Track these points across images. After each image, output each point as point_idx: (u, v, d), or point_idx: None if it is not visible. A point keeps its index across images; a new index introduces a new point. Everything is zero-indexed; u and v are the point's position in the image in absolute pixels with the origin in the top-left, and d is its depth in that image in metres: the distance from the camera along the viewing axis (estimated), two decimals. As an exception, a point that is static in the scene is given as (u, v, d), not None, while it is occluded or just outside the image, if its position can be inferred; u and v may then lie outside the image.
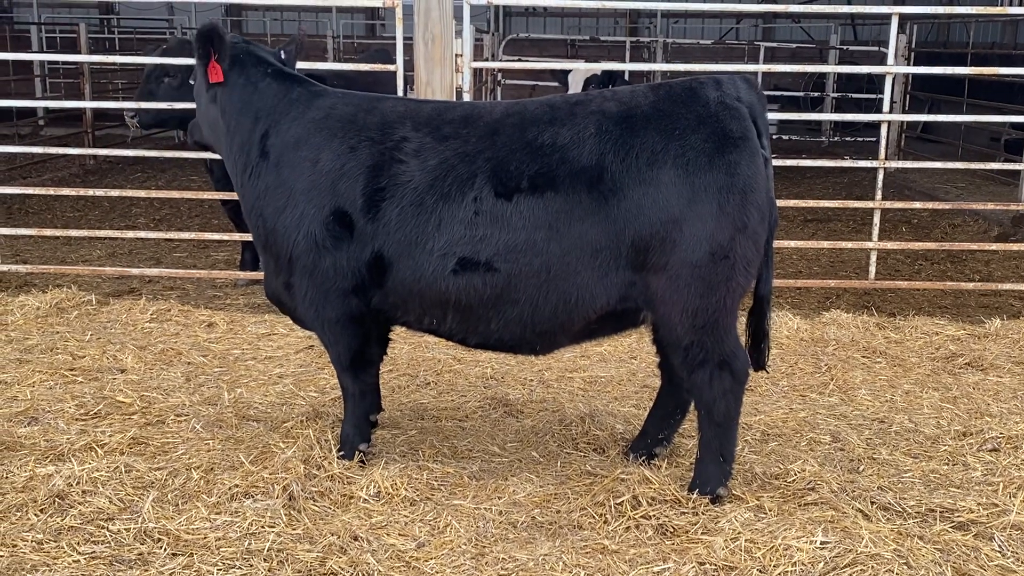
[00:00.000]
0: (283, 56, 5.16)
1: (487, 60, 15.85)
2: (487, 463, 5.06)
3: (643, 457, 5.05)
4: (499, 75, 16.10)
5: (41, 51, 20.45)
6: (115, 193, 8.84)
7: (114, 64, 17.75)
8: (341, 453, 4.94)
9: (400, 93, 7.53)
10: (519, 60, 16.40)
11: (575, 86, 11.05)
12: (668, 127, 4.39)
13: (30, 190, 10.70)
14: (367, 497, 4.60)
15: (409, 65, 7.57)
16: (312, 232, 4.66)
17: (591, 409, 5.71)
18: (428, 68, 7.29)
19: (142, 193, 8.88)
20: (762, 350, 4.86)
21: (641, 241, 4.37)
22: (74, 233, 9.00)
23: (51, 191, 10.08)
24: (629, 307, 4.57)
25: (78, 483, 4.58)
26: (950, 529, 4.42)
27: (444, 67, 7.29)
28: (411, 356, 6.69)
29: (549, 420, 5.61)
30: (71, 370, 6.29)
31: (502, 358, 6.49)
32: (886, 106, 8.16)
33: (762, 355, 4.87)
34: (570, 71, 11.39)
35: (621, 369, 6.60)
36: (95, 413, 5.57)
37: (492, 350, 4.93)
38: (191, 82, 5.19)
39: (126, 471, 4.78)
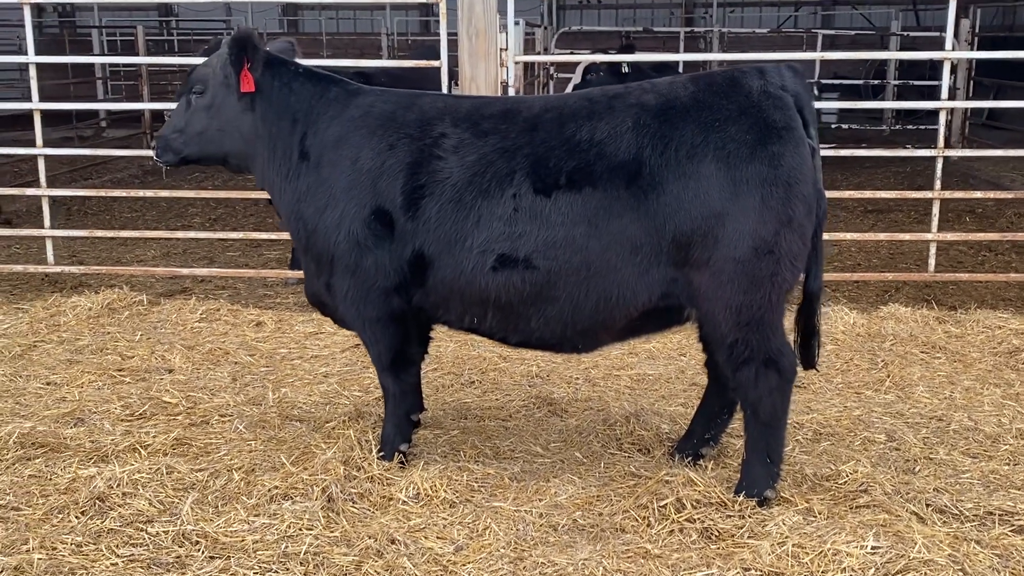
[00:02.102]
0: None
1: (539, 54, 15.74)
2: (529, 464, 4.97)
3: (689, 458, 4.92)
4: (552, 69, 15.98)
5: (102, 54, 20.79)
6: (166, 194, 8.92)
7: (172, 65, 17.94)
8: (381, 454, 4.88)
9: (444, 89, 7.46)
10: (570, 53, 16.25)
11: (577, 76, 10.94)
12: (708, 119, 4.28)
13: (87, 192, 10.84)
14: (406, 499, 4.54)
15: (456, 61, 7.52)
16: (354, 231, 4.61)
17: (637, 408, 5.59)
18: (472, 63, 7.21)
19: (194, 194, 8.94)
20: (812, 347, 4.70)
21: (682, 236, 4.26)
22: (124, 234, 9.09)
23: (105, 192, 10.20)
24: (672, 304, 4.45)
25: (119, 485, 4.58)
26: (1009, 533, 4.24)
27: (488, 62, 7.21)
28: (456, 354, 6.62)
29: (593, 420, 5.50)
30: (119, 371, 6.33)
31: (548, 356, 6.39)
32: (944, 93, 7.88)
33: (812, 353, 4.71)
34: (619, 64, 11.21)
35: (670, 366, 6.46)
36: (140, 414, 5.59)
37: (534, 348, 4.86)
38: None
39: (167, 472, 4.77)
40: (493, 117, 4.57)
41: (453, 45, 7.43)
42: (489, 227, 4.40)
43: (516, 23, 11.97)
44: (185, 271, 8.45)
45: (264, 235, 8.95)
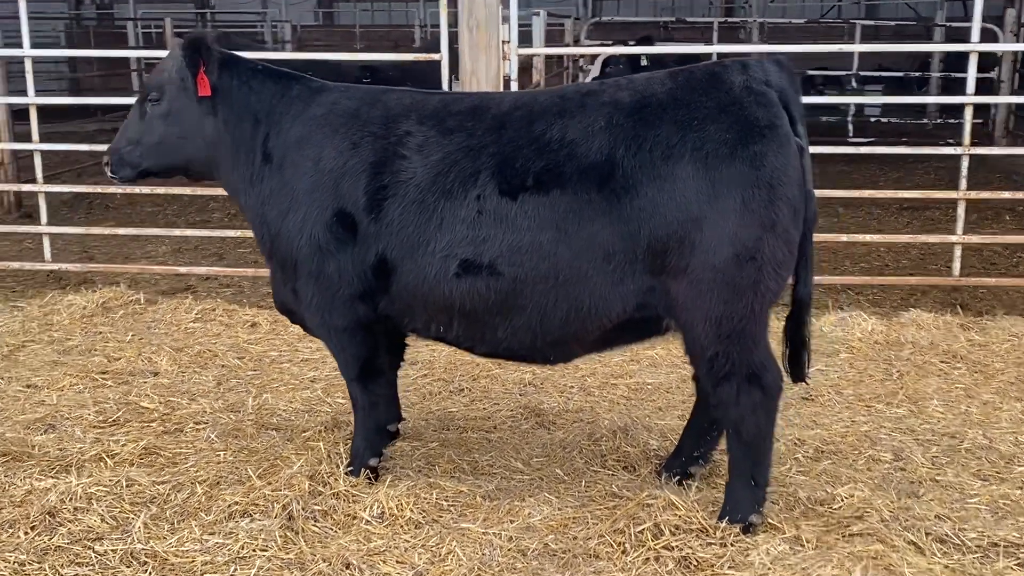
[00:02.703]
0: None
1: (568, 45, 15.43)
2: (506, 480, 4.71)
3: (677, 477, 4.64)
4: (581, 61, 15.63)
5: (137, 47, 20.80)
6: (188, 190, 8.74)
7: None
8: (349, 469, 4.65)
9: (445, 83, 7.21)
10: (599, 44, 15.93)
11: (596, 69, 10.57)
12: (686, 117, 3.98)
13: (104, 188, 10.71)
14: (370, 518, 4.30)
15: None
16: (315, 235, 4.36)
17: (627, 422, 5.30)
18: (473, 56, 6.95)
19: (217, 191, 8.75)
20: (802, 360, 4.38)
21: (658, 242, 3.96)
22: (121, 231, 8.95)
23: (105, 189, 10.04)
24: (649, 315, 4.16)
25: (72, 499, 4.38)
26: (1014, 567, 3.92)
27: (490, 54, 6.94)
28: (449, 359, 6.36)
29: (580, 433, 5.22)
30: (103, 373, 6.17)
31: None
32: (969, 87, 7.46)
33: (801, 366, 4.39)
34: (639, 56, 10.89)
35: (672, 375, 6.16)
36: (114, 420, 5.41)
37: (502, 359, 4.60)
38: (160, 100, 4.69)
39: (127, 485, 4.58)
40: (460, 114, 4.30)
41: (456, 37, 7.17)
42: (452, 230, 4.14)
43: (536, 13, 11.74)
44: (183, 269, 8.28)
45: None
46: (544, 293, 4.10)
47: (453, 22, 7.23)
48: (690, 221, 3.92)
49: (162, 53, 13.11)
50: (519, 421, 5.44)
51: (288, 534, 4.17)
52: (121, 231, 8.70)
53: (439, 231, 4.17)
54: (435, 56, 7.19)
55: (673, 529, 4.09)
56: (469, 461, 4.90)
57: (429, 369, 6.19)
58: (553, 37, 17.01)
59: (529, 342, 4.26)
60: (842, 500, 4.37)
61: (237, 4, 24.70)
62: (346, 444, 4.89)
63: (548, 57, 12.86)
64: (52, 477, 4.67)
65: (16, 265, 8.28)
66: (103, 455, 4.91)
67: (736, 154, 3.90)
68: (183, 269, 8.22)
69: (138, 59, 19.50)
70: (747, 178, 3.89)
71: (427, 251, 4.19)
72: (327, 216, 4.34)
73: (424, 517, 4.32)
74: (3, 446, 4.96)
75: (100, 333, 6.96)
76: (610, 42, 16.04)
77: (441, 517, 4.35)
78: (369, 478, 4.62)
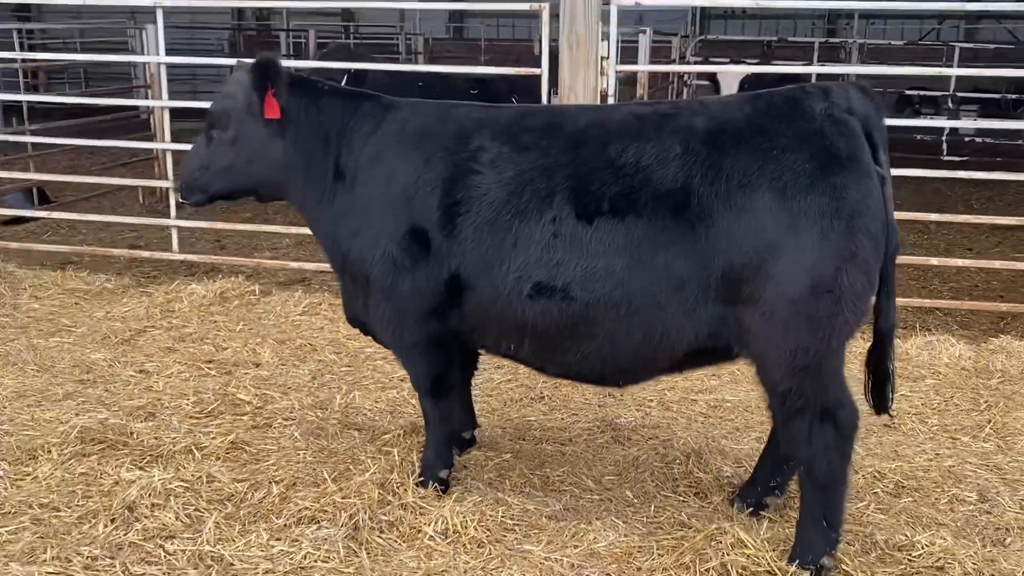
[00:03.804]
0: None
1: (674, 62, 14.72)
2: (575, 499, 4.21)
3: (750, 508, 4.07)
4: (687, 77, 14.89)
5: (288, 55, 20.81)
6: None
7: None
8: (420, 479, 4.22)
9: (544, 96, 6.70)
10: (704, 62, 15.15)
11: (727, 88, 9.78)
12: (764, 145, 3.47)
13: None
14: (433, 534, 3.86)
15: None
16: (389, 251, 3.92)
17: (702, 444, 4.73)
18: (572, 71, 6.42)
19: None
20: (885, 392, 3.78)
21: (732, 272, 3.46)
22: (226, 227, 8.64)
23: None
24: (720, 344, 3.62)
25: (151, 494, 4.06)
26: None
27: (588, 70, 6.40)
28: (533, 366, 5.87)
29: (654, 453, 4.67)
30: (208, 362, 5.88)
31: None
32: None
33: (885, 398, 3.80)
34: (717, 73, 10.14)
35: (752, 393, 5.51)
36: (210, 412, 5.09)
37: (573, 380, 4.12)
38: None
39: (207, 481, 4.24)
40: (535, 130, 3.82)
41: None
42: (527, 251, 3.67)
43: (642, 31, 11.12)
44: (294, 264, 7.96)
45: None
46: (616, 320, 3.62)
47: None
48: (766, 251, 3.41)
49: (306, 63, 12.97)
50: (595, 435, 4.92)
51: (352, 545, 3.77)
52: (241, 227, 8.43)
53: (514, 251, 3.69)
54: (536, 71, 6.69)
55: (740, 570, 3.53)
56: (540, 476, 4.41)
57: (513, 374, 5.71)
58: (660, 53, 16.30)
59: (599, 368, 3.80)
60: (922, 547, 3.74)
61: (377, 18, 24.58)
62: (419, 452, 4.45)
63: (653, 73, 12.21)
64: (140, 468, 4.36)
65: (147, 254, 8.10)
66: (193, 447, 4.59)
67: (816, 185, 3.39)
68: (294, 264, 7.91)
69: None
70: (826, 209, 3.37)
71: (501, 270, 3.72)
72: (401, 233, 3.90)
73: (488, 536, 3.86)
74: (103, 433, 4.67)
75: (214, 322, 6.69)
76: (726, 60, 15.20)
77: (505, 537, 3.88)
78: (438, 490, 4.18)
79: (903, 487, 4.38)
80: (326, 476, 4.28)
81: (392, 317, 4.04)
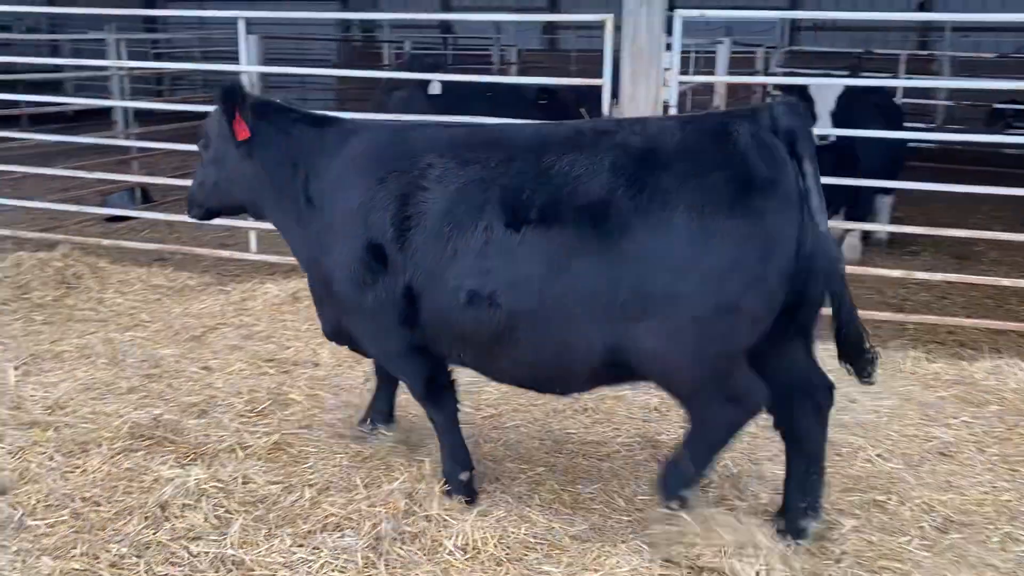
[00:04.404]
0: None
1: (757, 73, 14.14)
2: (603, 519, 3.94)
3: (787, 536, 3.71)
4: (770, 88, 14.28)
5: (390, 66, 20.90)
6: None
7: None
8: (447, 488, 4.01)
9: (605, 107, 6.40)
10: (789, 73, 14.51)
11: (822, 103, 9.14)
12: (688, 167, 3.40)
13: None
14: (453, 548, 3.64)
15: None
16: (354, 268, 3.86)
17: (742, 467, 4.39)
18: (634, 81, 6.11)
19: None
20: (863, 363, 3.70)
21: (642, 288, 3.36)
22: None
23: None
24: (627, 359, 3.48)
25: (184, 494, 3.95)
26: None
27: (650, 81, 6.09)
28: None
29: (691, 473, 4.34)
30: (269, 361, 5.79)
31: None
32: None
33: (865, 368, 3.71)
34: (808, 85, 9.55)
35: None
36: (260, 411, 4.99)
37: (518, 387, 4.07)
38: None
39: (243, 482, 4.11)
40: (478, 146, 3.79)
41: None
42: (463, 260, 3.61)
43: (719, 42, 10.65)
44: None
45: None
46: (533, 328, 3.54)
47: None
48: (676, 270, 3.34)
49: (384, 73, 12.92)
50: (634, 451, 4.63)
51: (371, 556, 3.58)
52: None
53: (452, 260, 3.63)
54: (598, 81, 6.40)
55: (765, 606, 3.21)
56: (571, 492, 4.15)
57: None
58: (745, 64, 15.71)
59: (530, 375, 3.76)
60: (966, 594, 3.34)
61: (473, 30, 24.50)
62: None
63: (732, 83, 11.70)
64: (181, 466, 4.26)
65: (226, 253, 8.11)
66: (237, 446, 4.48)
67: (732, 208, 3.32)
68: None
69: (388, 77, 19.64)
70: (738, 232, 3.31)
71: (442, 279, 3.67)
72: (360, 250, 3.83)
73: (507, 554, 3.62)
74: (154, 429, 4.61)
75: (283, 321, 6.62)
76: (817, 71, 14.53)
77: (525, 556, 3.63)
78: (465, 501, 3.96)
79: (952, 522, 3.97)
80: (358, 482, 4.11)
81: (371, 331, 4.01)
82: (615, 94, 6.33)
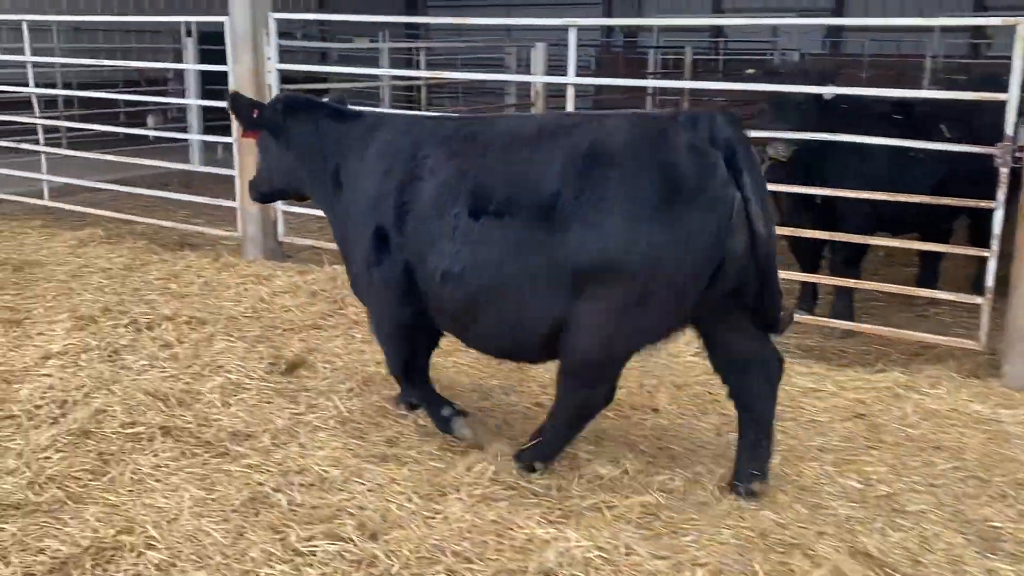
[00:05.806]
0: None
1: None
2: None
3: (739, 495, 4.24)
4: None
5: (656, 74, 20.50)
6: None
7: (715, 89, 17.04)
8: (438, 428, 4.90)
9: (1009, 126, 5.63)
10: None
11: None
12: (628, 169, 3.88)
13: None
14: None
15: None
16: (367, 249, 4.60)
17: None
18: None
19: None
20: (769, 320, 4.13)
21: (578, 277, 3.95)
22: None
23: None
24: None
25: (570, 563, 3.66)
26: None
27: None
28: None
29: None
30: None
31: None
32: None
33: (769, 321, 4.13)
34: None
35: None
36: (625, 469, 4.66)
37: (486, 354, 4.83)
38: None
39: (625, 553, 3.77)
40: (463, 138, 4.43)
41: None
42: (440, 242, 4.28)
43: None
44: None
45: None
46: (493, 303, 4.21)
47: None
48: (605, 264, 3.87)
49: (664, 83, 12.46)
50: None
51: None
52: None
53: (433, 243, 4.30)
54: (1001, 96, 5.63)
55: None
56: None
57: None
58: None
59: (494, 344, 4.46)
60: None
61: (748, 34, 23.68)
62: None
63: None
64: (552, 525, 3.99)
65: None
66: (602, 505, 4.18)
67: (659, 210, 3.80)
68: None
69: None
70: (664, 236, 3.79)
71: (426, 261, 4.35)
72: (371, 232, 4.55)
73: None
74: (514, 478, 4.40)
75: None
76: None
77: None
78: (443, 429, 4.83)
79: None
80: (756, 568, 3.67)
81: (377, 306, 4.78)
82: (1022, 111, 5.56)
